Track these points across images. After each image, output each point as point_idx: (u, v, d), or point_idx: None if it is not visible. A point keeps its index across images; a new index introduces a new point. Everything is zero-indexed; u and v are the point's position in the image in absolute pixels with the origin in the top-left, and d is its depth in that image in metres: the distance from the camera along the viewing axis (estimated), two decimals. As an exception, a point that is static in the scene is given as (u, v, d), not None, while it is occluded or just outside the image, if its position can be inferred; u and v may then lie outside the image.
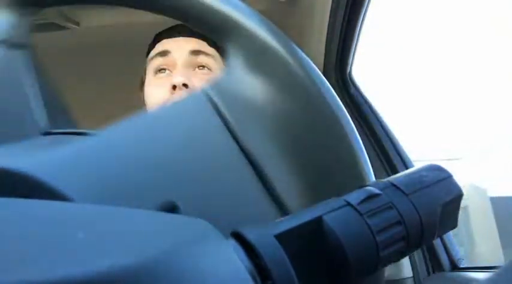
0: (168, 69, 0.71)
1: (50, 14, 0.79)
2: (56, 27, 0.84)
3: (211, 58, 0.71)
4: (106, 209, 0.12)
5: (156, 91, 0.70)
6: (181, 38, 0.71)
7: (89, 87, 1.10)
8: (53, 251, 0.09)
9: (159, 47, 0.73)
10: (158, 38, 0.75)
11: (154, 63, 0.72)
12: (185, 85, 0.67)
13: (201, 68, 0.71)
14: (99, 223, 0.11)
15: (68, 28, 0.85)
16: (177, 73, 0.68)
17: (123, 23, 0.88)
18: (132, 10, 0.26)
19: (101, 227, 0.11)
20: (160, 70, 0.72)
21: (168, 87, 0.68)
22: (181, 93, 0.67)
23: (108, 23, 0.87)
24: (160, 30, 0.75)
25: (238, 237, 0.13)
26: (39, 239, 0.10)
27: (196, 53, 0.70)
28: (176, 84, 0.66)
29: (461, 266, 0.89)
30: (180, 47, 0.71)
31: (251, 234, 0.13)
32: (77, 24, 0.85)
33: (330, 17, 0.80)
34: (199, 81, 0.69)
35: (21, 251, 0.09)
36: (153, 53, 0.73)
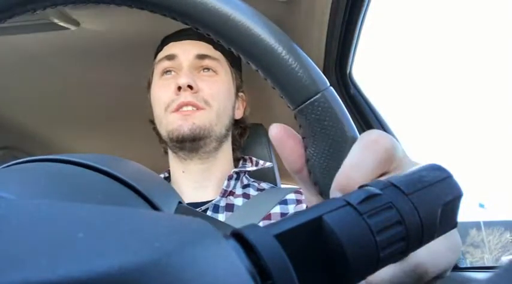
0: (174, 71, 0.73)
1: (50, 14, 0.79)
2: (56, 27, 0.84)
3: (216, 61, 0.73)
4: (106, 209, 0.12)
5: (162, 93, 0.72)
6: (188, 41, 0.73)
7: (89, 86, 1.10)
8: (53, 250, 0.09)
9: (167, 50, 0.74)
10: (166, 41, 0.76)
11: (161, 66, 0.74)
12: (190, 86, 0.68)
13: (206, 70, 0.72)
14: (99, 222, 0.11)
15: (68, 28, 0.85)
16: (182, 75, 0.69)
17: (124, 24, 0.88)
18: (132, 10, 0.26)
19: (101, 227, 0.11)
20: (167, 72, 0.73)
21: (174, 88, 0.69)
22: (186, 95, 0.68)
23: (109, 23, 0.87)
24: (161, 30, 0.75)
25: (238, 237, 0.13)
26: (38, 239, 0.10)
27: (202, 56, 0.72)
28: (181, 85, 0.68)
29: (461, 266, 0.89)
30: (186, 51, 0.72)
31: (251, 234, 0.13)
32: (77, 24, 0.85)
33: (330, 17, 0.80)
34: (204, 83, 0.70)
35: (21, 250, 0.09)
36: (160, 55, 0.75)
